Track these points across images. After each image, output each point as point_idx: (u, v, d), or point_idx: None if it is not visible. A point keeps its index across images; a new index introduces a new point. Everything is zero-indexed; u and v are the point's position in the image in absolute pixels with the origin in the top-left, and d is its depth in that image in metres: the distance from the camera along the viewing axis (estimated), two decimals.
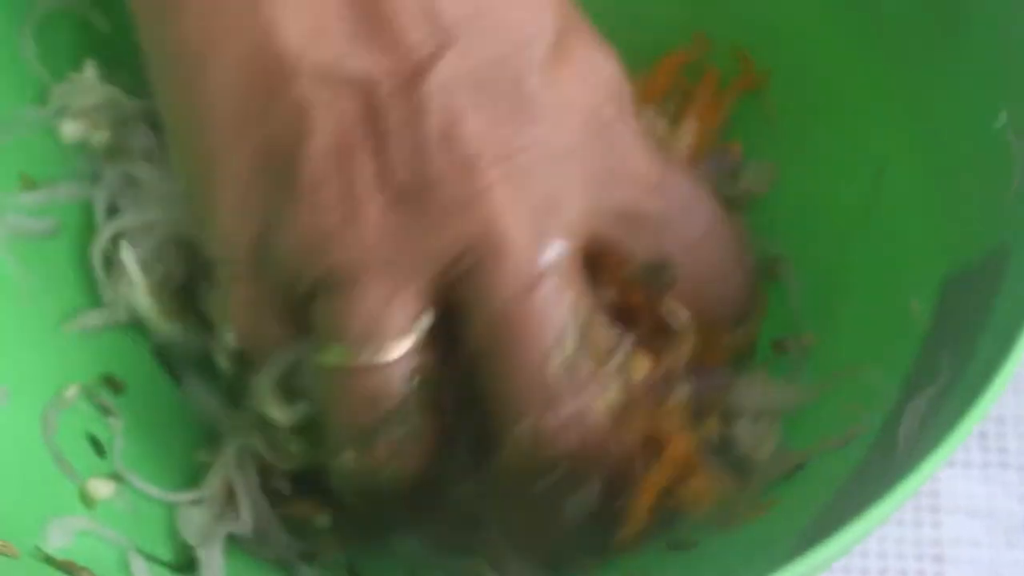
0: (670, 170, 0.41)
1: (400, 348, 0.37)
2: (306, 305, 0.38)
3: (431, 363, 0.39)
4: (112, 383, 0.48)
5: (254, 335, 0.41)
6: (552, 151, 0.38)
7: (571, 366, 0.38)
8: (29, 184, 0.51)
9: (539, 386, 0.37)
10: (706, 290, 0.42)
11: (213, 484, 0.45)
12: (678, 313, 0.42)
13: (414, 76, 0.36)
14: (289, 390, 0.41)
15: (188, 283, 0.47)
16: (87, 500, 0.45)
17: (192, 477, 0.47)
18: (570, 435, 0.38)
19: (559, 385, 0.37)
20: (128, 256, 0.47)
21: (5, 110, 0.50)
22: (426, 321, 0.38)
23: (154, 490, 0.46)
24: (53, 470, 0.45)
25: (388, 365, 0.37)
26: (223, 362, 0.43)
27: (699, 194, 0.42)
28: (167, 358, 0.49)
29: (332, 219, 0.37)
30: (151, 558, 0.44)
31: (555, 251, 0.37)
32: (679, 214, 0.41)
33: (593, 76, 0.40)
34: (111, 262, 0.49)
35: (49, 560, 0.40)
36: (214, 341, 0.43)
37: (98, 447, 0.47)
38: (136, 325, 0.48)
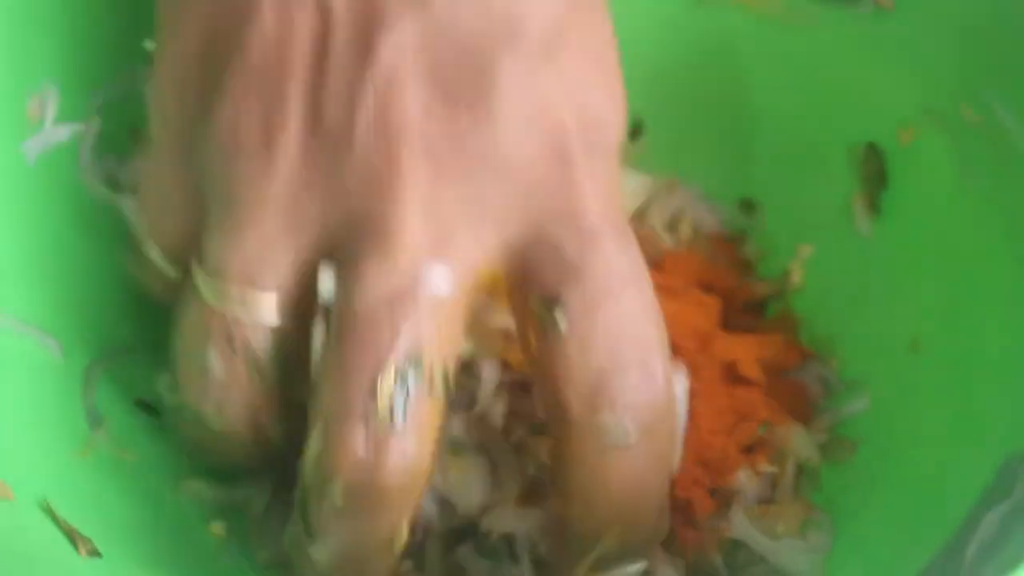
0: (617, 236, 0.36)
1: (266, 303, 0.35)
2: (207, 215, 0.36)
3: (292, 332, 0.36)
4: None
5: (157, 216, 0.39)
6: (494, 163, 0.34)
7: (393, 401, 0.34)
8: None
9: (344, 402, 0.34)
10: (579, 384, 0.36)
11: None
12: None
13: (374, 23, 0.33)
14: None
15: None
16: None
17: None
18: (346, 458, 0.34)
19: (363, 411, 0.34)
20: None
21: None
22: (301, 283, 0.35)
23: None
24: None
25: (252, 316, 0.35)
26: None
27: (634, 282, 0.36)
28: None
29: (252, 136, 0.34)
30: None
31: (441, 280, 0.34)
32: (600, 283, 0.35)
33: (582, 93, 0.35)
34: None
35: (52, 516, 0.39)
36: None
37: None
38: None
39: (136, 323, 0.49)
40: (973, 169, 0.46)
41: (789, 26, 0.51)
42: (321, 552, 0.36)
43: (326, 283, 0.34)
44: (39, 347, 0.44)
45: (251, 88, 0.34)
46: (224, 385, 0.37)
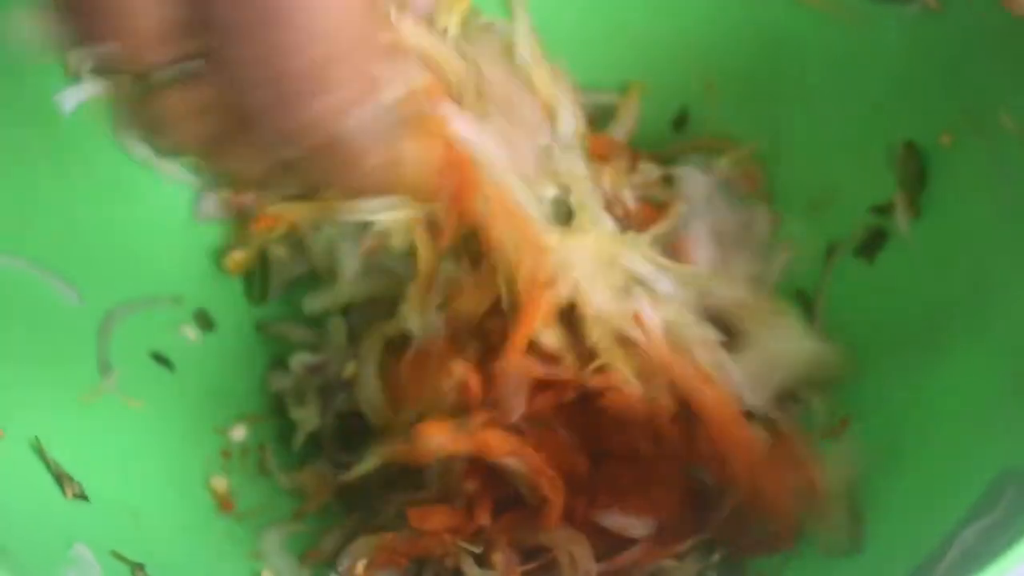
0: None
1: None
2: None
3: None
4: None
5: None
6: None
7: None
8: None
9: None
10: None
11: None
12: None
13: None
14: None
15: None
16: None
17: None
18: None
19: None
20: None
21: None
22: None
23: None
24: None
25: None
26: None
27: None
28: None
29: None
30: None
31: None
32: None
33: None
34: None
35: (41, 455, 0.40)
36: None
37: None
38: None
39: (157, 278, 0.50)
40: (1007, 176, 0.44)
41: (839, 22, 0.50)
42: None
43: None
44: (55, 292, 0.45)
45: None
46: None
